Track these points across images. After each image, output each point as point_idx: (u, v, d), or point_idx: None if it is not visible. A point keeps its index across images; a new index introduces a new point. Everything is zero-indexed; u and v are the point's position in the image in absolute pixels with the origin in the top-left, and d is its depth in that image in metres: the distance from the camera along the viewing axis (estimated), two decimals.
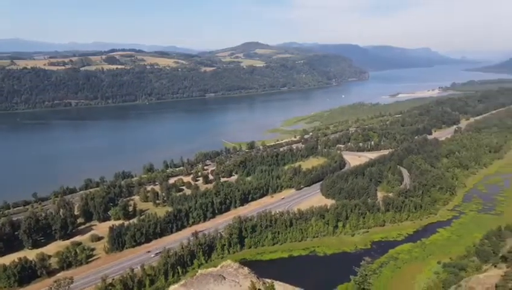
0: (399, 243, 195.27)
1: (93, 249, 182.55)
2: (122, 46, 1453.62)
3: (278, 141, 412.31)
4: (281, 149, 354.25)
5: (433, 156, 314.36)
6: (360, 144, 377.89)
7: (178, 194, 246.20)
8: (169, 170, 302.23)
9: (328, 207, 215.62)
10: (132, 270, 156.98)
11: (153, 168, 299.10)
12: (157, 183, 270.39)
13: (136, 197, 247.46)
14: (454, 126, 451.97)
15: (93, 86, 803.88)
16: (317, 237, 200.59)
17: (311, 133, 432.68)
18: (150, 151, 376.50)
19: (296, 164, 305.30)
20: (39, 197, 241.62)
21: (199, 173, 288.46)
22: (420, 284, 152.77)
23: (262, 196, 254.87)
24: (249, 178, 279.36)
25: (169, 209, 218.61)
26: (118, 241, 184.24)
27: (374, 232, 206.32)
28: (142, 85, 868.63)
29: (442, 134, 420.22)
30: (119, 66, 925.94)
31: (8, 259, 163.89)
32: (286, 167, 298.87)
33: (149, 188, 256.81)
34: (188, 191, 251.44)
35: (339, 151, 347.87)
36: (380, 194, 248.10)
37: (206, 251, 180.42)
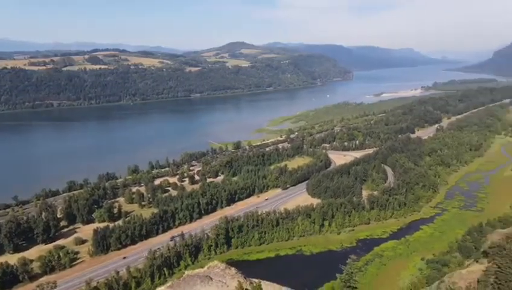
0: (384, 240, 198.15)
1: (77, 253, 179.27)
2: (106, 46, 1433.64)
3: (264, 140, 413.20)
4: (267, 149, 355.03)
5: (416, 155, 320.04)
6: (345, 143, 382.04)
7: (164, 195, 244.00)
8: (154, 171, 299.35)
9: (314, 206, 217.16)
10: (117, 273, 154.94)
11: (138, 170, 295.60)
12: (142, 184, 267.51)
13: (121, 199, 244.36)
14: (436, 125, 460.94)
15: (75, 87, 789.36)
16: (303, 236, 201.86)
17: (296, 133, 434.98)
18: (134, 152, 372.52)
19: (282, 164, 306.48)
20: (20, 201, 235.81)
21: (185, 174, 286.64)
22: (404, 281, 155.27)
23: (248, 196, 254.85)
24: (235, 178, 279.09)
25: (155, 210, 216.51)
26: (103, 243, 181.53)
27: (359, 230, 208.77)
28: (126, 85, 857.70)
29: (425, 133, 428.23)
30: (103, 66, 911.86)
31: None
32: (272, 167, 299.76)
33: (134, 189, 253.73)
34: (173, 192, 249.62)
35: (324, 151, 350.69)
36: (365, 193, 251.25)
37: (192, 252, 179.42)
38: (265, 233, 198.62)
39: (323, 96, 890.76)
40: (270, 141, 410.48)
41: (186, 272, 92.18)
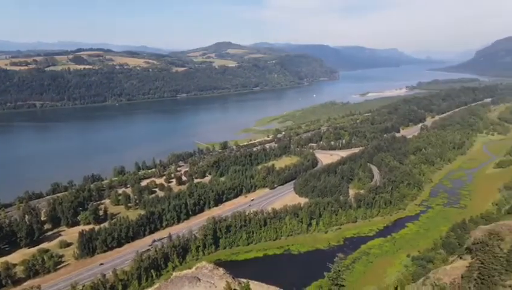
0: (370, 238, 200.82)
1: (61, 256, 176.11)
2: (90, 45, 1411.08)
3: (251, 140, 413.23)
4: (254, 149, 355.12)
5: (401, 153, 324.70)
6: (332, 143, 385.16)
7: (151, 196, 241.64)
8: (141, 172, 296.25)
9: (302, 205, 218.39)
10: (104, 275, 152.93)
11: (124, 171, 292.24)
12: (128, 185, 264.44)
13: (107, 201, 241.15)
14: (421, 124, 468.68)
15: (59, 87, 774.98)
16: (291, 235, 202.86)
17: (283, 133, 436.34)
18: (120, 154, 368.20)
19: (270, 163, 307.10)
20: (2, 204, 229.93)
21: (172, 175, 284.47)
22: (391, 278, 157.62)
23: (236, 196, 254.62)
24: (222, 178, 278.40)
25: (142, 212, 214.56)
26: (88, 246, 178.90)
27: (346, 229, 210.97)
28: (111, 86, 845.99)
29: (410, 132, 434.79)
30: (87, 66, 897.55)
31: None
32: (259, 167, 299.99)
33: (120, 191, 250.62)
34: (160, 193, 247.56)
35: (311, 150, 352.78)
36: (351, 192, 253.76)
37: (180, 253, 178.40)
38: (253, 233, 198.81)
39: (310, 96, 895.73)
40: (257, 140, 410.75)
41: (173, 274, 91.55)
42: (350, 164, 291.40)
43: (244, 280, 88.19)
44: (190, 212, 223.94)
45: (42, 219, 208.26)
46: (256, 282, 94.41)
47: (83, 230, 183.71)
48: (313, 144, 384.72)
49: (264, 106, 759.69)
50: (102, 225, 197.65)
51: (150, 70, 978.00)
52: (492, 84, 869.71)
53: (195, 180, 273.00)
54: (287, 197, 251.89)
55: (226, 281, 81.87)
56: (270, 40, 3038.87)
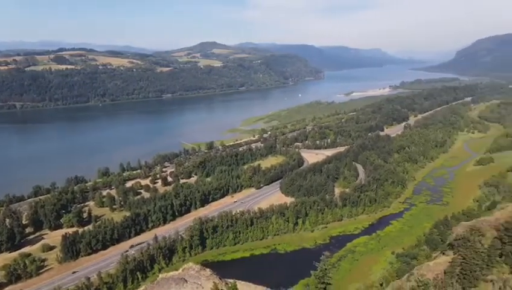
0: (356, 236, 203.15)
1: (44, 260, 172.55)
2: (72, 45, 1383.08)
3: (237, 140, 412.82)
4: (240, 149, 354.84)
5: (386, 152, 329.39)
6: (317, 142, 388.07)
7: (136, 197, 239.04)
8: (126, 174, 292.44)
9: (288, 205, 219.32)
10: (88, 279, 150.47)
11: (109, 172, 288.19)
12: (113, 187, 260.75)
13: (91, 203, 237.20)
14: (404, 123, 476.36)
15: (40, 87, 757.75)
16: (277, 234, 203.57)
17: (269, 132, 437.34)
18: (105, 155, 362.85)
19: (256, 163, 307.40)
20: None
21: (157, 175, 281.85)
22: (376, 275, 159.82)
23: (222, 196, 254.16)
24: (208, 179, 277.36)
25: (127, 213, 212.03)
26: (72, 249, 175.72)
27: (332, 227, 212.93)
28: (94, 86, 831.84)
29: (393, 130, 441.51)
30: (69, 66, 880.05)
31: None
32: (246, 167, 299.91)
33: (105, 192, 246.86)
34: (146, 195, 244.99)
35: (297, 150, 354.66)
36: (337, 190, 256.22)
37: (166, 254, 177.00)
38: (239, 233, 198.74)
39: (295, 96, 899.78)
40: (243, 140, 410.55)
41: (160, 275, 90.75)
42: (335, 163, 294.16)
43: (231, 280, 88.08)
44: (176, 213, 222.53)
45: (24, 222, 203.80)
46: (243, 282, 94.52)
47: (66, 233, 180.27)
48: (298, 144, 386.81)
49: (250, 106, 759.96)
50: (86, 228, 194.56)
51: (134, 70, 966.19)
52: (472, 84, 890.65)
53: (181, 181, 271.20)
54: (273, 196, 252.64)
55: (213, 281, 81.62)
56: (255, 40, 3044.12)
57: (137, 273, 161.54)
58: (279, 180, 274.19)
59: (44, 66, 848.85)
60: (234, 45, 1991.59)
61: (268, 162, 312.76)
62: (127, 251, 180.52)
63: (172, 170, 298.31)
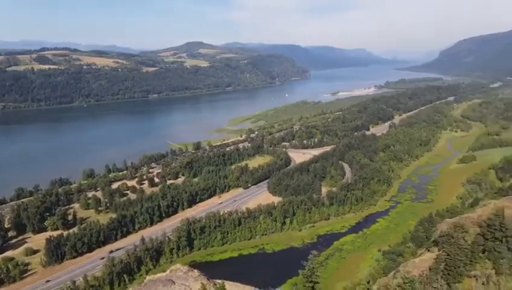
0: (343, 234, 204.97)
1: (28, 264, 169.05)
2: (55, 44, 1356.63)
3: (224, 140, 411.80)
4: (228, 149, 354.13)
5: (371, 151, 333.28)
6: (304, 141, 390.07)
7: (122, 199, 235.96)
8: (111, 175, 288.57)
9: (276, 204, 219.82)
10: (74, 282, 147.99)
11: (94, 174, 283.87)
12: (99, 189, 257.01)
13: (76, 205, 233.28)
14: (389, 122, 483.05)
15: (22, 88, 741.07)
16: (265, 234, 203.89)
17: (256, 132, 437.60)
18: (89, 156, 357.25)
19: (243, 163, 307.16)
20: None
21: (144, 177, 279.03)
22: (363, 272, 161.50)
23: (210, 196, 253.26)
24: (196, 179, 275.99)
25: (113, 215, 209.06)
26: (57, 253, 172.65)
27: (319, 226, 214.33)
28: (78, 86, 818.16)
29: (379, 129, 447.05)
30: (52, 66, 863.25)
31: None
32: (233, 167, 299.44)
33: (90, 194, 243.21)
34: (132, 196, 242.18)
35: (284, 149, 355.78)
36: (324, 189, 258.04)
37: (154, 256, 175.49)
38: (227, 233, 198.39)
39: (282, 96, 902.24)
40: (230, 140, 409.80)
41: (147, 277, 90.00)
42: (322, 162, 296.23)
43: (220, 281, 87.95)
44: (163, 214, 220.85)
45: (6, 226, 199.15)
46: (231, 282, 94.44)
47: (50, 236, 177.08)
48: (285, 143, 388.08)
49: (237, 106, 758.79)
50: (71, 230, 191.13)
51: (120, 70, 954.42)
52: (455, 83, 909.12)
53: (168, 182, 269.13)
54: (260, 196, 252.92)
55: (201, 282, 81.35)
56: (241, 40, 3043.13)
57: (124, 275, 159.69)
58: (267, 180, 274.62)
59: (27, 66, 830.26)
60: (221, 44, 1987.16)
61: (256, 162, 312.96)
62: (102, 258, 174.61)
63: (159, 170, 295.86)
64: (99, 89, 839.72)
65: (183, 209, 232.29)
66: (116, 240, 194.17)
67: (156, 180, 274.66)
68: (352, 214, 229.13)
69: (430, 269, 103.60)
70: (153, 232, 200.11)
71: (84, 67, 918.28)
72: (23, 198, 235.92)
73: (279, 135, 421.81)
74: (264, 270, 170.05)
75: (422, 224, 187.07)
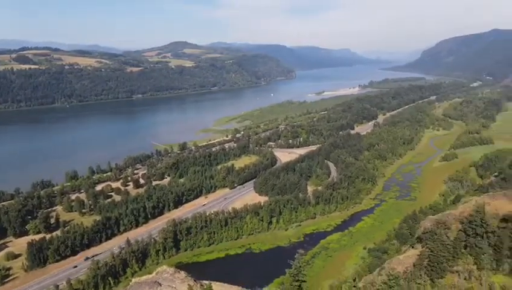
0: (329, 233, 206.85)
1: (9, 269, 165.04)
2: (36, 44, 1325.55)
3: (210, 141, 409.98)
4: (214, 149, 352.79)
5: (356, 150, 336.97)
6: (290, 141, 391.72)
7: (106, 201, 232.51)
8: (95, 176, 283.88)
9: (262, 204, 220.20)
10: (57, 286, 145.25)
11: (77, 176, 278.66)
12: (82, 191, 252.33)
13: (59, 208, 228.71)
14: (373, 121, 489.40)
15: (1, 88, 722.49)
16: (252, 234, 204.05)
17: (242, 132, 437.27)
18: (73, 158, 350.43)
19: (229, 163, 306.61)
20: None
21: (129, 178, 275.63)
22: (349, 270, 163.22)
23: (196, 197, 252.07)
24: (182, 180, 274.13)
25: (98, 217, 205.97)
26: (39, 257, 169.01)
27: (306, 225, 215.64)
28: (60, 86, 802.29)
29: (363, 128, 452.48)
30: (33, 66, 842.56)
31: None
32: (219, 167, 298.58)
33: (73, 197, 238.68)
34: (117, 197, 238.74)
35: (270, 149, 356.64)
36: (310, 188, 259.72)
37: (139, 258, 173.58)
38: (214, 233, 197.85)
39: (267, 96, 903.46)
40: (216, 140, 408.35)
41: (133, 280, 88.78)
42: (308, 162, 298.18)
43: (207, 282, 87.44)
44: (149, 216, 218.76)
45: None
46: (218, 283, 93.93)
47: (32, 240, 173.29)
48: (271, 143, 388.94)
49: (223, 106, 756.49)
50: (54, 234, 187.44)
51: (103, 70, 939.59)
52: (436, 83, 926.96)
53: (154, 183, 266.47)
54: (247, 196, 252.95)
55: (188, 284, 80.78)
56: (227, 39, 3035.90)
57: (109, 278, 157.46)
58: (253, 180, 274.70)
59: (6, 66, 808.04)
60: (206, 44, 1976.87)
61: (242, 162, 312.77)
62: (75, 266, 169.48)
63: (144, 171, 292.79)
64: (82, 90, 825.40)
65: (169, 210, 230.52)
66: (101, 242, 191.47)
67: (141, 181, 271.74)
68: (338, 212, 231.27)
69: (414, 265, 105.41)
70: (139, 234, 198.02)
71: (66, 67, 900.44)
72: (4, 201, 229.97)
73: (265, 134, 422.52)
74: (251, 270, 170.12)
75: (406, 221, 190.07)
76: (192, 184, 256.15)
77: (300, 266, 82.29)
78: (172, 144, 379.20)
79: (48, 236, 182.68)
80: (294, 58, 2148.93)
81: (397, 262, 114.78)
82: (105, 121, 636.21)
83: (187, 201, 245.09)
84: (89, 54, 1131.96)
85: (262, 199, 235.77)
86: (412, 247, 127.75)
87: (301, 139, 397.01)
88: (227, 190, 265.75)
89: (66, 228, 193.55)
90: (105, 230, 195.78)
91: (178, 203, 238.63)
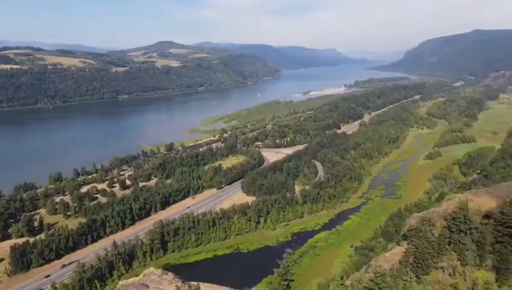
0: (316, 232, 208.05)
1: None
2: (17, 44, 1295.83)
3: (197, 141, 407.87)
4: (201, 149, 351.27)
5: (343, 149, 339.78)
6: (277, 141, 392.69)
7: (92, 203, 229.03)
8: (80, 178, 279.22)
9: (250, 204, 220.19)
10: None
11: (62, 177, 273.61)
12: (67, 193, 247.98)
13: (43, 211, 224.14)
14: (359, 120, 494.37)
15: None
16: (240, 234, 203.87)
17: (230, 132, 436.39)
18: (57, 160, 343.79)
19: (217, 163, 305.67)
20: None
21: (115, 179, 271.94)
22: (337, 269, 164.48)
23: (183, 197, 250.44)
24: (169, 181, 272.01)
25: (83, 220, 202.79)
26: (22, 261, 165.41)
27: (293, 225, 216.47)
28: (43, 87, 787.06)
29: (349, 128, 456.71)
30: (15, 66, 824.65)
31: None
32: (206, 167, 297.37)
33: (58, 199, 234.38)
34: (103, 199, 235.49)
35: (257, 149, 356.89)
36: (297, 188, 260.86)
37: (126, 260, 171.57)
38: (202, 234, 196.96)
39: (254, 96, 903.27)
40: (203, 141, 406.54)
41: (120, 282, 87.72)
42: (295, 161, 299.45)
43: (195, 283, 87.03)
44: (136, 217, 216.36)
45: None
46: (206, 284, 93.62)
47: (15, 243, 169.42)
48: (258, 143, 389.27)
49: (210, 106, 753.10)
50: (38, 237, 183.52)
51: (87, 70, 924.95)
52: (420, 82, 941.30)
53: (141, 184, 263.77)
54: (235, 196, 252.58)
55: (176, 285, 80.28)
56: (212, 39, 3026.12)
57: (95, 281, 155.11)
58: (241, 180, 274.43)
59: None
60: (192, 44, 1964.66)
61: (229, 162, 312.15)
62: (48, 276, 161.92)
63: (131, 173, 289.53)
64: (65, 90, 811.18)
65: (156, 211, 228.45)
66: (86, 245, 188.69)
67: (128, 182, 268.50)
68: (325, 211, 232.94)
69: (400, 262, 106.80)
70: (125, 236, 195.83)
71: (49, 67, 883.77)
72: None
73: (252, 134, 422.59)
74: (239, 270, 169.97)
75: (392, 219, 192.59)
76: (180, 185, 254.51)
77: (288, 265, 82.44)
78: (159, 144, 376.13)
79: (31, 240, 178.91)
80: (281, 58, 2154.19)
81: (383, 259, 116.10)
82: (90, 122, 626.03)
83: (174, 202, 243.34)
84: (72, 54, 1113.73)
85: (250, 199, 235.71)
86: (398, 244, 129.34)
87: (288, 138, 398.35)
88: (214, 190, 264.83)
89: (50, 231, 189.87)
90: (91, 232, 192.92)
91: (165, 204, 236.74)
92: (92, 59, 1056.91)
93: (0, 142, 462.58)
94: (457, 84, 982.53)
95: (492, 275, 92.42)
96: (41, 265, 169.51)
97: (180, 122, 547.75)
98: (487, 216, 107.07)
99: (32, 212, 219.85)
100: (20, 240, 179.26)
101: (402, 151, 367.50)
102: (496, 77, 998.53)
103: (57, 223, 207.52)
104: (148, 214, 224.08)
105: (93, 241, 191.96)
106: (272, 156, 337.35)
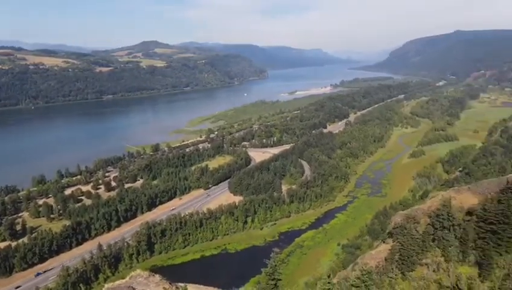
0: (304, 231, 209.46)
1: None
2: None
3: (183, 141, 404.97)
4: (187, 150, 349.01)
5: (329, 148, 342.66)
6: (264, 141, 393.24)
7: (77, 205, 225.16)
8: (64, 180, 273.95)
9: (237, 204, 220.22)
10: None
11: (45, 180, 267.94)
12: (50, 195, 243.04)
13: (25, 214, 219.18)
14: (345, 120, 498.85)
15: None
16: (227, 234, 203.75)
17: (216, 132, 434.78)
18: (39, 162, 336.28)
19: (203, 164, 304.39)
20: None
21: (100, 181, 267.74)
22: (324, 267, 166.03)
23: (170, 198, 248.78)
24: (155, 181, 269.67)
25: (67, 222, 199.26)
26: (4, 265, 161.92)
27: (280, 224, 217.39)
28: (25, 87, 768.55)
29: (335, 127, 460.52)
30: None
31: None
32: (193, 168, 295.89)
33: (41, 201, 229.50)
34: (88, 201, 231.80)
35: (244, 149, 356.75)
36: (284, 187, 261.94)
37: (112, 262, 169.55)
38: (189, 235, 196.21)
39: (241, 95, 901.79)
40: (190, 141, 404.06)
41: (105, 285, 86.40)
42: (282, 161, 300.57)
43: (182, 284, 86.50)
44: (122, 219, 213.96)
45: None
46: (194, 285, 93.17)
47: None
48: (245, 143, 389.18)
49: (196, 106, 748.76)
50: (20, 241, 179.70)
51: (70, 70, 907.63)
52: (404, 82, 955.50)
53: (126, 185, 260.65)
54: (222, 196, 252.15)
55: (163, 287, 79.60)
56: (198, 39, 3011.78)
57: (81, 285, 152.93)
58: (228, 180, 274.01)
59: None
60: (177, 44, 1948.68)
61: (216, 162, 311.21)
62: (18, 286, 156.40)
63: (116, 174, 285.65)
64: (48, 90, 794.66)
65: (142, 212, 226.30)
66: (71, 248, 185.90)
67: (113, 184, 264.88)
68: (312, 210, 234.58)
69: (385, 259, 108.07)
70: (111, 238, 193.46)
71: (31, 67, 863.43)
72: None
73: (239, 134, 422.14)
74: (227, 270, 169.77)
75: (377, 217, 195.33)
76: (166, 186, 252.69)
77: (275, 265, 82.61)
78: (145, 145, 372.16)
79: (13, 244, 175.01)
80: (267, 58, 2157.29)
81: (370, 257, 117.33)
82: (73, 122, 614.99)
83: (161, 203, 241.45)
84: (55, 54, 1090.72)
85: (237, 199, 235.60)
86: (384, 242, 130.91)
87: (275, 138, 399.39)
88: (201, 190, 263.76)
89: (33, 235, 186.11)
90: (76, 235, 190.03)
91: (152, 205, 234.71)
92: (76, 59, 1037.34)
93: None
94: (440, 83, 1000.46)
95: (475, 270, 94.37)
96: (24, 269, 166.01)
97: (166, 123, 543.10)
98: (469, 213, 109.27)
99: (15, 216, 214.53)
100: (2, 244, 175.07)
101: (387, 150, 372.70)
102: (477, 76, 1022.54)
103: (40, 226, 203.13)
104: (134, 216, 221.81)
105: (78, 244, 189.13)
106: (258, 156, 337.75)
